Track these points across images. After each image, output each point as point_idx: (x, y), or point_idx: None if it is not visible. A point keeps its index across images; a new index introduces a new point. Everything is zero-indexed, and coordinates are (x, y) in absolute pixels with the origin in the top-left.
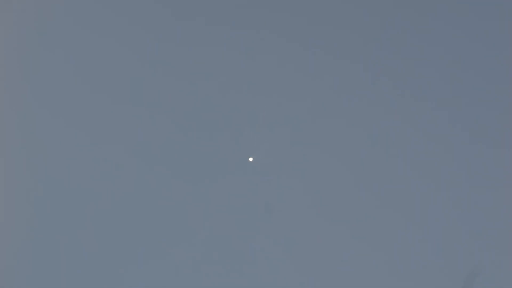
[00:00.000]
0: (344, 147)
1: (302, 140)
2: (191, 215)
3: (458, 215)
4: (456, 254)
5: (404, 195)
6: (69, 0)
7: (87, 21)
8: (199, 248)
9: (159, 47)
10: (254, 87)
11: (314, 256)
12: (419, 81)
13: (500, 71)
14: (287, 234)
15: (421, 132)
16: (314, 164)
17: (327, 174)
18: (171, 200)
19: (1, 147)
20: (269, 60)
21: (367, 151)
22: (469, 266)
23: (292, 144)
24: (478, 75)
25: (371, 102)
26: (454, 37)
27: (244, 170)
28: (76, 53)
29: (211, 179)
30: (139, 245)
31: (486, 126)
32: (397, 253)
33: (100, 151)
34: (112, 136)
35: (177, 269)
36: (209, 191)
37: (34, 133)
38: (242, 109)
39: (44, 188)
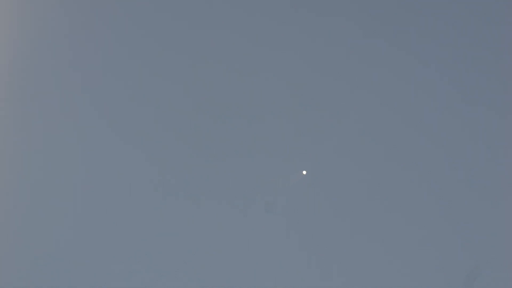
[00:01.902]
0: (345, 147)
1: (302, 140)
2: (190, 215)
3: (458, 215)
4: (456, 254)
5: (405, 195)
6: (70, 0)
7: (86, 19)
8: (199, 248)
9: (163, 48)
10: (253, 89)
11: (314, 257)
12: (420, 82)
13: (501, 72)
14: (287, 234)
15: (421, 133)
16: (314, 164)
17: (328, 174)
18: (171, 200)
19: (1, 147)
20: (269, 58)
21: (369, 152)
22: (469, 266)
23: (292, 144)
24: (479, 75)
25: (371, 102)
26: (456, 39)
27: (244, 171)
28: (76, 50)
29: (211, 179)
30: (139, 245)
31: (487, 128)
32: (397, 253)
33: (100, 151)
34: (111, 136)
35: (176, 269)
36: (210, 190)
37: (34, 133)
38: (242, 110)
39: (43, 187)
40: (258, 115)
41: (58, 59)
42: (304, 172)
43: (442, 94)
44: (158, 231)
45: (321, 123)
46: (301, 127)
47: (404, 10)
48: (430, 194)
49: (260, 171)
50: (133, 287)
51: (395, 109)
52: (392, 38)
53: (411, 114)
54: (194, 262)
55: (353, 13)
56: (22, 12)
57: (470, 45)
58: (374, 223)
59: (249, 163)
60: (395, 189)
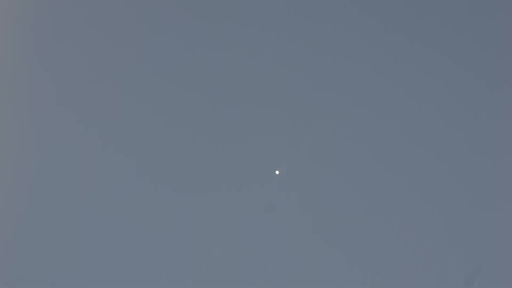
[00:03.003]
0: (343, 149)
1: (302, 141)
2: (190, 215)
3: (458, 215)
4: (456, 254)
5: (404, 195)
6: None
7: (85, 20)
8: (198, 248)
9: (162, 53)
10: (253, 90)
11: (313, 257)
12: (418, 84)
13: (501, 72)
14: (287, 235)
15: (421, 135)
16: (314, 164)
17: (327, 174)
18: (171, 200)
19: (1, 147)
20: (267, 60)
21: (365, 154)
22: (469, 266)
23: (292, 145)
24: (478, 76)
25: (370, 104)
26: (453, 39)
27: (244, 171)
28: (78, 53)
29: (211, 179)
30: (139, 246)
31: (486, 129)
32: (397, 253)
33: (99, 153)
34: (109, 137)
35: (176, 269)
36: (209, 190)
37: (33, 133)
38: (242, 111)
39: (44, 189)
40: (255, 110)
41: (54, 58)
42: (277, 172)
43: (436, 95)
44: (156, 225)
45: (318, 122)
46: (300, 124)
47: (397, 10)
48: (429, 195)
49: (259, 168)
50: (135, 285)
51: (392, 109)
52: (383, 38)
53: (406, 115)
54: (194, 258)
55: (343, 13)
56: (19, 10)
57: (467, 47)
58: (373, 223)
59: (246, 158)
60: (396, 192)
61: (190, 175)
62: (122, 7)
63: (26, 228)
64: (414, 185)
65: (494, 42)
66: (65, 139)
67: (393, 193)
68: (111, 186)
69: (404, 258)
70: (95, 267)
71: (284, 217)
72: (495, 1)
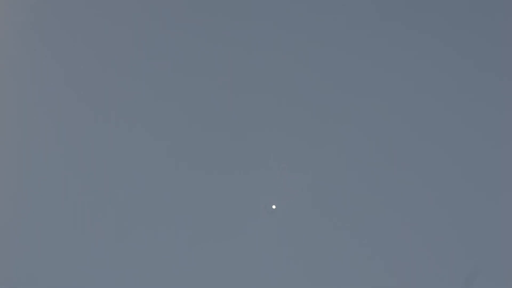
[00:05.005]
0: (344, 148)
1: (302, 140)
2: (191, 215)
3: (458, 215)
4: (456, 254)
5: (405, 195)
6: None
7: (85, 20)
8: (198, 247)
9: (165, 46)
10: (256, 87)
11: (313, 257)
12: (419, 82)
13: (501, 71)
14: (287, 234)
15: (422, 134)
16: (314, 164)
17: (327, 174)
18: (171, 200)
19: (1, 147)
20: (269, 57)
21: (368, 151)
22: (469, 266)
23: (292, 144)
24: (480, 74)
25: (371, 103)
26: (456, 37)
27: (245, 170)
28: (77, 49)
29: (211, 179)
30: (139, 246)
31: (487, 127)
32: (397, 253)
33: (98, 153)
34: (109, 137)
35: (176, 269)
36: (210, 190)
37: (33, 131)
38: (243, 109)
39: (43, 189)
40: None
41: (57, 57)
42: (274, 207)
43: (445, 94)
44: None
45: (322, 124)
46: (304, 128)
47: (403, 8)
48: (430, 195)
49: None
50: (135, 285)
51: (398, 109)
52: (394, 37)
53: (414, 115)
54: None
55: (351, 11)
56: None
57: (471, 42)
58: (373, 224)
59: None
60: (397, 192)
61: (190, 175)
62: (123, 3)
63: (26, 228)
64: (414, 185)
65: (495, 39)
66: (64, 138)
67: (393, 193)
68: (110, 186)
69: (404, 258)
70: (94, 267)
71: (284, 217)
72: None
